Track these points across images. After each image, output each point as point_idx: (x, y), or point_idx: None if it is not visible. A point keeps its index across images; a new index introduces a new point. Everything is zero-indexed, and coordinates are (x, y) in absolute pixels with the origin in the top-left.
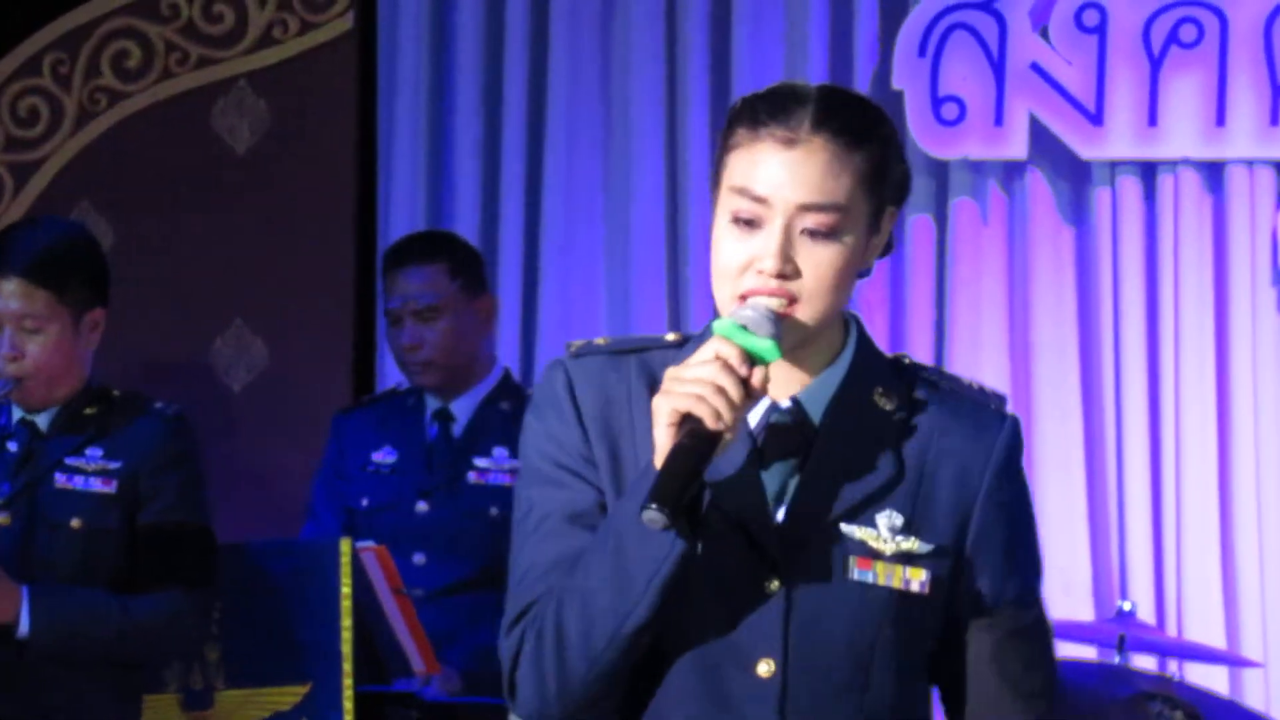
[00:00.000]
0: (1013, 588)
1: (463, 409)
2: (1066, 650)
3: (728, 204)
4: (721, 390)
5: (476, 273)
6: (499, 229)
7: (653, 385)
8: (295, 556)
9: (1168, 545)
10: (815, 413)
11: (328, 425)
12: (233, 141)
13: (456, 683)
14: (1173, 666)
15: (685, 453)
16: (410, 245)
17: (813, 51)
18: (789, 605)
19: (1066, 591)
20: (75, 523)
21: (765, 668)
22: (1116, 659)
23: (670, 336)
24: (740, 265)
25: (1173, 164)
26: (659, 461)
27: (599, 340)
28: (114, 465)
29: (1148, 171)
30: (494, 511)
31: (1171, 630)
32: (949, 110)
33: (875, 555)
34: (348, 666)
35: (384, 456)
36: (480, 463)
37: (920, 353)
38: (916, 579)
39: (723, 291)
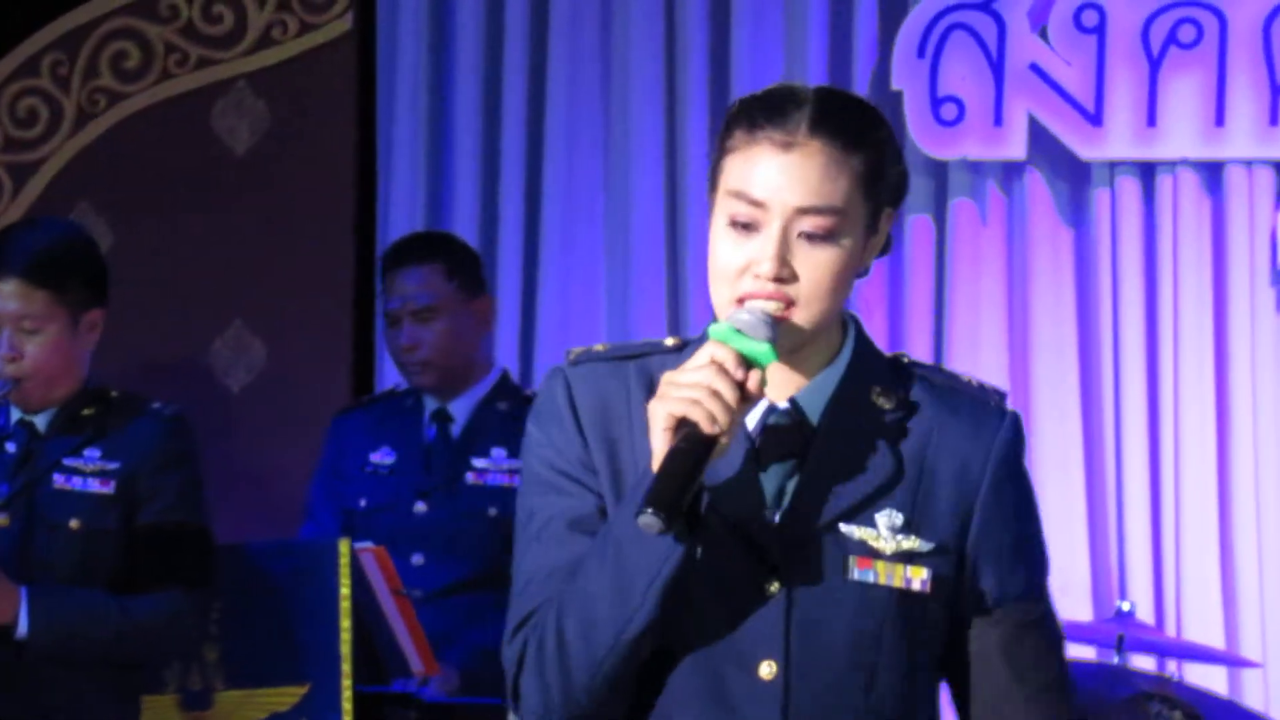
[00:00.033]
0: (1018, 583)
1: (461, 410)
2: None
3: (725, 207)
4: (716, 394)
5: (474, 273)
6: (498, 229)
7: (651, 390)
8: (294, 557)
9: (1167, 545)
10: (813, 413)
11: (327, 426)
12: (232, 142)
13: (455, 683)
14: (1171, 667)
15: (681, 457)
16: (407, 246)
17: (812, 52)
18: (789, 606)
19: (1065, 591)
20: (73, 523)
21: (767, 669)
22: (1115, 659)
23: (669, 341)
24: (737, 268)
25: (1172, 164)
26: (655, 466)
27: (598, 347)
28: (112, 466)
29: (1147, 172)
30: (492, 512)
31: (1170, 630)
32: (948, 110)
33: (875, 555)
34: (346, 667)
35: (382, 457)
36: (478, 463)
37: (919, 353)
38: (917, 578)
39: (720, 295)
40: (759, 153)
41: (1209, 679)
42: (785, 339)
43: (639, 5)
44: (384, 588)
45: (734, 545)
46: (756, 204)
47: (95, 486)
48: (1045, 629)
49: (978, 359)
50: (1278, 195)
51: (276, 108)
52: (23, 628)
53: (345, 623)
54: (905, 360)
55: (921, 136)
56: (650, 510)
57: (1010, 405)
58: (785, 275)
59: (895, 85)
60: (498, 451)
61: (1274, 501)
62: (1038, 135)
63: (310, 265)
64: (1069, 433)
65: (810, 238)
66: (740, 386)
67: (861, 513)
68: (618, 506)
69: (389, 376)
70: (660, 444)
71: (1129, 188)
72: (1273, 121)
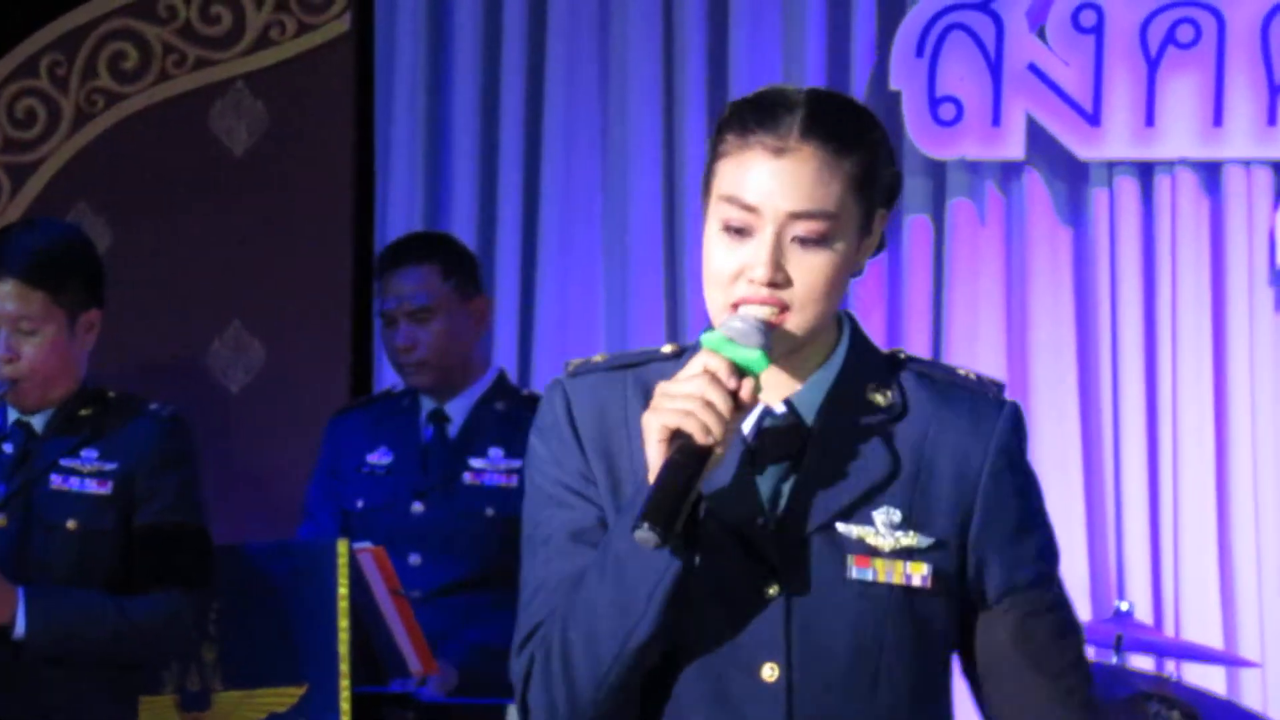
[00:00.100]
0: (1027, 572)
1: (458, 410)
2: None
3: (718, 212)
4: (709, 404)
5: (470, 274)
6: (497, 230)
7: (649, 399)
8: (293, 558)
9: (1165, 545)
10: (809, 414)
11: (325, 426)
12: (230, 143)
13: (453, 682)
14: (1170, 666)
15: (676, 469)
16: (404, 246)
17: (810, 52)
18: (789, 608)
19: None
20: (71, 524)
21: (769, 671)
22: (1114, 659)
23: (667, 349)
24: (731, 274)
25: (1170, 164)
26: (650, 480)
27: (596, 358)
28: (109, 466)
29: (1145, 172)
30: (489, 512)
31: (1169, 630)
32: (946, 111)
33: (874, 552)
34: (345, 667)
35: (379, 458)
36: (475, 463)
37: (917, 353)
38: (917, 574)
39: (714, 300)
40: (751, 158)
41: (1207, 679)
42: (779, 344)
43: (637, 6)
44: (382, 588)
45: (732, 549)
46: (749, 209)
47: (92, 487)
48: (1058, 615)
49: (976, 359)
50: (1276, 195)
51: (275, 108)
52: (20, 628)
53: (343, 623)
54: (902, 356)
55: (920, 137)
56: (646, 525)
57: (1009, 395)
58: (779, 280)
59: (893, 85)
60: (495, 451)
61: (1272, 501)
62: (1036, 135)
63: (309, 266)
64: (1067, 433)
65: (804, 242)
66: (733, 395)
67: (859, 511)
68: (616, 519)
69: (387, 377)
70: (655, 456)
71: (1127, 188)
72: (1271, 121)
